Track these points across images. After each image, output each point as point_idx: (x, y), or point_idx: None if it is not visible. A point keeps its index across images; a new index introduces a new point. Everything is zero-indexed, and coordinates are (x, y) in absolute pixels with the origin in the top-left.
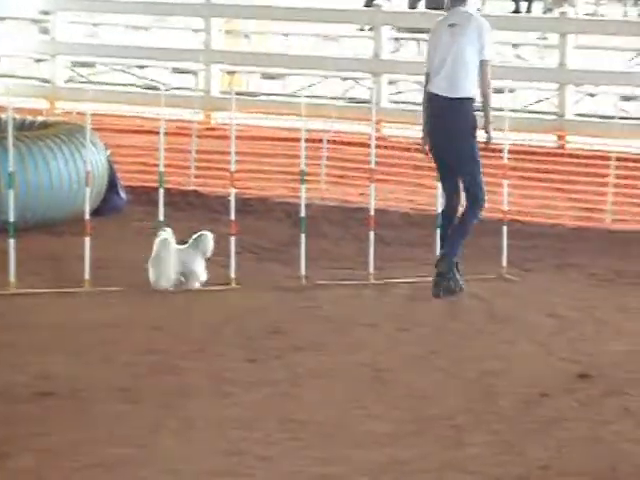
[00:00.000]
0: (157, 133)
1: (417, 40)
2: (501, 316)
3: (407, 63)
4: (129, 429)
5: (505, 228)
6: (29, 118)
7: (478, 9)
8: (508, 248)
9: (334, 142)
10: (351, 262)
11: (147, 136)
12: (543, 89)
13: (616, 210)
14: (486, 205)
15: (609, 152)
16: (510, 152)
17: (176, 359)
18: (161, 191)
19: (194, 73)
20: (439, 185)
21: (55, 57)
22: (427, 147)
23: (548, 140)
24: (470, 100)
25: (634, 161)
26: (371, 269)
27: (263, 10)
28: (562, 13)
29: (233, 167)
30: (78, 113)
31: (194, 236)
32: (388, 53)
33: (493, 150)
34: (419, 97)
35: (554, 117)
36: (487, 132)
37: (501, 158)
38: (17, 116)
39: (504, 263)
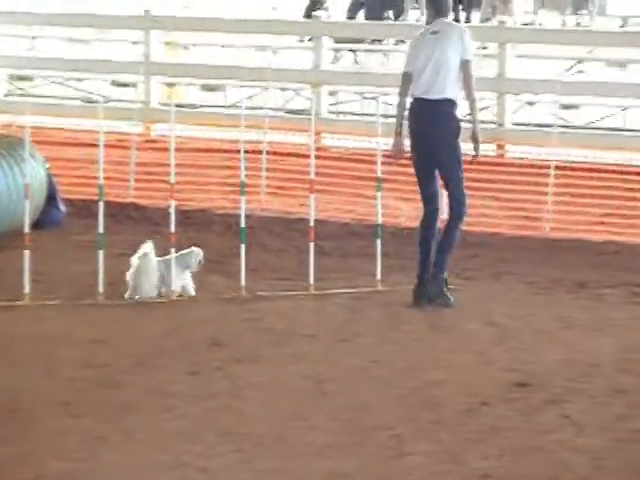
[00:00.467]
0: (96, 146)
1: (354, 51)
2: (441, 326)
3: (346, 74)
4: (71, 443)
5: None
6: None
7: (417, 20)
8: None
9: (274, 153)
10: (291, 273)
11: (86, 149)
12: (482, 98)
13: (555, 219)
14: (468, 212)
15: (548, 161)
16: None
17: (117, 372)
18: (101, 204)
19: (133, 85)
20: (378, 195)
21: None
22: (401, 149)
23: (487, 149)
24: (452, 102)
25: (573, 170)
26: (311, 280)
27: (202, 22)
28: (500, 22)
29: (173, 179)
30: (17, 126)
31: (182, 251)
32: (328, 64)
33: None
34: (359, 107)
35: (493, 126)
36: (475, 142)
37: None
38: None
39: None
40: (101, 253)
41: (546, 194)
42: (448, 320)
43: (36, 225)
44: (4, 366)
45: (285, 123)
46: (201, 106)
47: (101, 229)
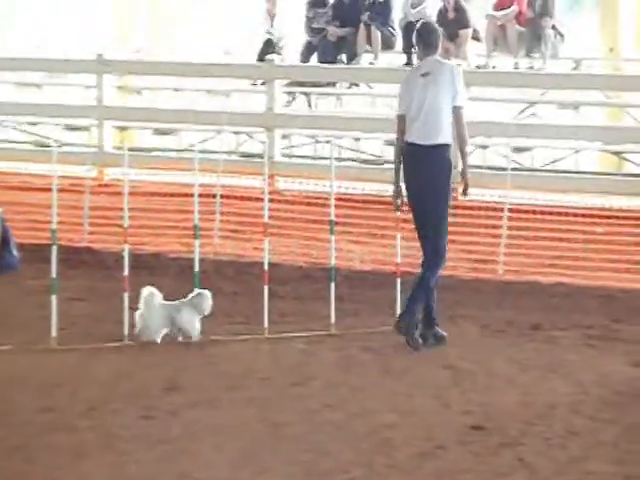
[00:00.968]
0: (50, 190)
1: (307, 94)
2: (395, 369)
3: (300, 117)
4: None
5: (399, 280)
6: None
7: (371, 62)
8: (402, 301)
9: (228, 197)
10: (246, 317)
11: (39, 193)
12: None
13: (508, 261)
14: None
15: (502, 204)
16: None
17: (71, 417)
18: (54, 248)
19: (87, 129)
20: (332, 238)
21: None
22: (400, 200)
23: None
24: (447, 146)
25: (526, 212)
26: (266, 324)
27: (155, 66)
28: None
29: (126, 223)
30: None
31: (192, 294)
32: (281, 107)
33: (389, 203)
34: (312, 150)
35: None
36: (465, 186)
37: (395, 211)
38: None
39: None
40: (54, 298)
41: (499, 236)
42: (403, 363)
43: None
44: None
45: (239, 167)
46: (154, 150)
47: (54, 273)
